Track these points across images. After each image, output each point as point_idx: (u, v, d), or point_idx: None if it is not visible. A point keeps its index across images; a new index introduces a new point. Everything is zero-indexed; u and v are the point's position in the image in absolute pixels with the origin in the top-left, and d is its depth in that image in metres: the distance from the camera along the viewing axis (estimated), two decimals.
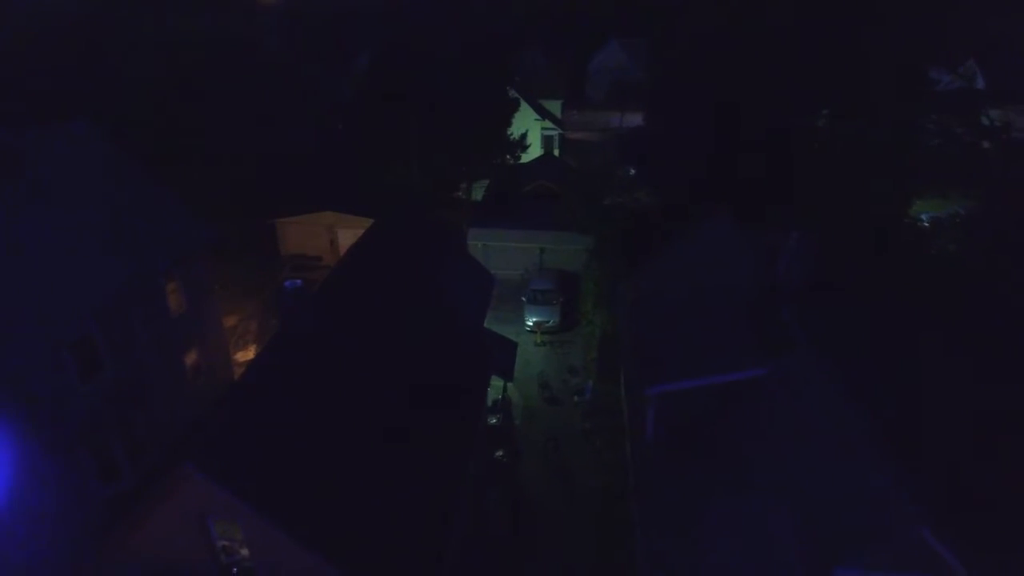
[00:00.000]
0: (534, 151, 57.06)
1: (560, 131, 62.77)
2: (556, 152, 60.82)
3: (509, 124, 46.45)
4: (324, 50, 57.60)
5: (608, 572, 19.25)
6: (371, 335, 19.18)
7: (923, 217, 37.27)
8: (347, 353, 17.81)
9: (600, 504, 21.71)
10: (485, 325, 26.14)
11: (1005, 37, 68.86)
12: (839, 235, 28.33)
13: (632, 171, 41.16)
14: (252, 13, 51.66)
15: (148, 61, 35.44)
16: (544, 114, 61.92)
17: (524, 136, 47.54)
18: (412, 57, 42.67)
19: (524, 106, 55.02)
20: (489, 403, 24.12)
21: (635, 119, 68.27)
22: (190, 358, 24.94)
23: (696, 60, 36.25)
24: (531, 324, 32.28)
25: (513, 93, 51.42)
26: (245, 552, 13.37)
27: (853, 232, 29.73)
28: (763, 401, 16.49)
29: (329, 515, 13.71)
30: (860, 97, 33.78)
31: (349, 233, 36.96)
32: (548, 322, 32.32)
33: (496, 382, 25.05)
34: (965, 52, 70.38)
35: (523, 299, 33.46)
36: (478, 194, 46.61)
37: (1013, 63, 70.38)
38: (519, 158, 47.26)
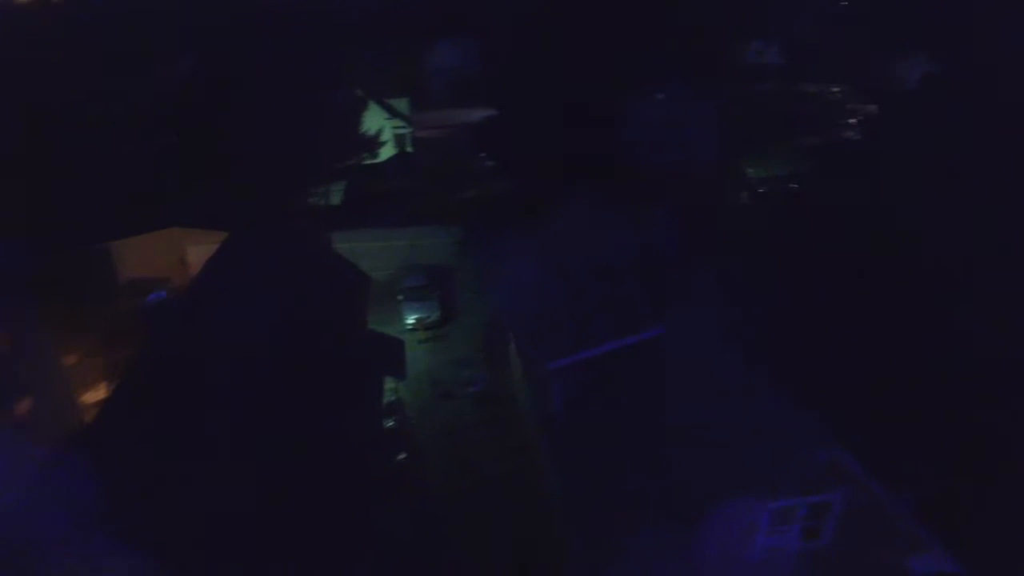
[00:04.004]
0: (387, 151, 55.88)
1: (411, 129, 61.87)
2: (409, 149, 59.93)
3: (359, 124, 44.99)
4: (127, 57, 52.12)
5: (533, 555, 19.16)
6: (249, 346, 17.56)
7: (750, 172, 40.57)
8: (226, 367, 16.16)
9: (509, 489, 21.56)
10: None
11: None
12: (693, 203, 30.33)
13: (488, 161, 41.47)
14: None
15: None
16: (394, 113, 60.74)
17: (378, 134, 46.32)
18: (239, 64, 39.97)
19: (373, 105, 53.72)
20: (383, 406, 23.09)
21: (479, 114, 68.94)
22: (23, 406, 21.53)
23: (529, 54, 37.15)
24: (411, 322, 31.41)
25: (360, 92, 49.98)
26: None
27: (703, 199, 32.03)
28: (662, 360, 17.12)
29: (223, 528, 12.33)
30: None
31: (201, 250, 33.73)
32: (428, 317, 31.61)
33: (388, 383, 24.07)
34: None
35: (399, 298, 32.47)
36: (337, 199, 44.71)
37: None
38: (375, 155, 46.00)
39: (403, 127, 60.85)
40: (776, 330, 16.78)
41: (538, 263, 24.21)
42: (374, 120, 54.16)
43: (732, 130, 33.55)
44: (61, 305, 30.06)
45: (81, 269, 33.03)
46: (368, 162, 46.49)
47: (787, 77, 54.73)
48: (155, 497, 12.41)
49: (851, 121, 50.81)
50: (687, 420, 15.07)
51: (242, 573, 12.33)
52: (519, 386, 25.05)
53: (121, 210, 35.61)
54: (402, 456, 22.40)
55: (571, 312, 19.74)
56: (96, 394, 26.55)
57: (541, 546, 19.46)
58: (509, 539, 19.87)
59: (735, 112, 34.30)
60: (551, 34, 35.17)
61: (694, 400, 15.72)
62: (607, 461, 15.78)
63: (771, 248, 24.18)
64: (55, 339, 24.61)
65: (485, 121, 48.91)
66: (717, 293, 18.97)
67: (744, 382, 15.36)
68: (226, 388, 15.29)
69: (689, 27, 35.87)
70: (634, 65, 35.86)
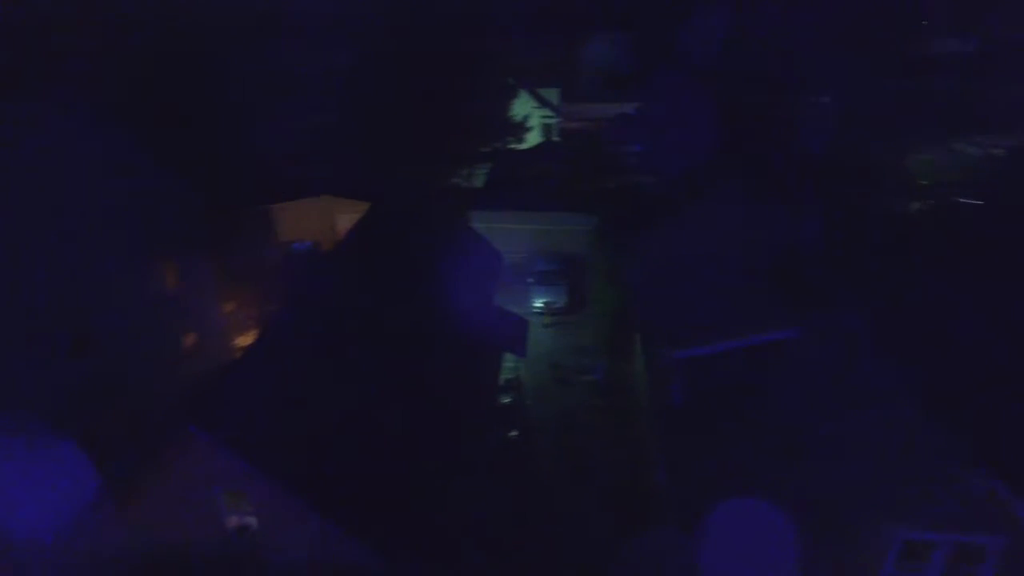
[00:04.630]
0: (533, 139, 56.51)
1: (558, 119, 62.10)
2: (555, 138, 60.23)
3: (508, 110, 45.76)
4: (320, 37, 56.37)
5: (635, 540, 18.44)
6: (381, 306, 18.29)
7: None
8: (358, 322, 16.92)
9: (615, 479, 20.92)
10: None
11: None
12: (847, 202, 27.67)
13: (638, 150, 40.41)
14: None
15: (142, 30, 34.26)
16: (543, 102, 61.30)
17: (525, 119, 46.88)
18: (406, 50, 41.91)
19: (522, 93, 54.59)
20: (501, 382, 23.25)
21: (629, 108, 67.61)
22: (187, 339, 23.99)
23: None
24: (539, 305, 31.42)
25: (511, 80, 50.90)
26: (252, 521, 12.47)
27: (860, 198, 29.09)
28: (794, 363, 15.72)
29: (339, 485, 12.83)
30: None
31: (348, 218, 35.88)
32: (556, 303, 31.48)
33: (508, 362, 24.21)
34: None
35: (529, 281, 32.59)
36: (480, 180, 45.81)
37: None
38: (521, 141, 46.57)
39: (551, 116, 61.29)
40: (930, 346, 14.75)
41: (673, 256, 23.23)
42: (522, 108, 55.00)
43: (900, 127, 30.20)
44: (225, 258, 33.36)
45: (245, 227, 36.33)
46: (513, 147, 47.20)
47: (974, 71, 48.25)
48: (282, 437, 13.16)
49: None
50: (814, 428, 13.69)
51: (350, 510, 12.80)
52: (639, 379, 24.23)
53: (283, 177, 38.73)
54: (513, 433, 22.43)
55: (703, 307, 18.70)
56: (247, 339, 29.07)
57: (639, 541, 18.67)
58: (607, 530, 19.27)
59: (908, 107, 30.78)
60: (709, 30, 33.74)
61: (825, 407, 14.27)
62: (721, 462, 14.74)
63: (932, 256, 21.42)
64: (218, 286, 27.15)
65: (634, 114, 47.94)
66: (863, 298, 17.10)
67: (885, 394, 13.64)
68: (352, 338, 16.00)
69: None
70: (797, 60, 33.44)
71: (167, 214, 22.81)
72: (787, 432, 14.29)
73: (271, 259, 36.04)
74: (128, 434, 19.13)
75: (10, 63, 32.20)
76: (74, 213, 19.52)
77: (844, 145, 29.57)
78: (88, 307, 18.82)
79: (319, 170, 40.84)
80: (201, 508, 12.44)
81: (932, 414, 12.00)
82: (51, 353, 17.73)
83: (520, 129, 46.58)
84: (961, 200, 27.17)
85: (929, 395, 12.27)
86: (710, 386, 16.38)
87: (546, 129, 60.49)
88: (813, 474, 13.12)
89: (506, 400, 23.65)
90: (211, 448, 11.43)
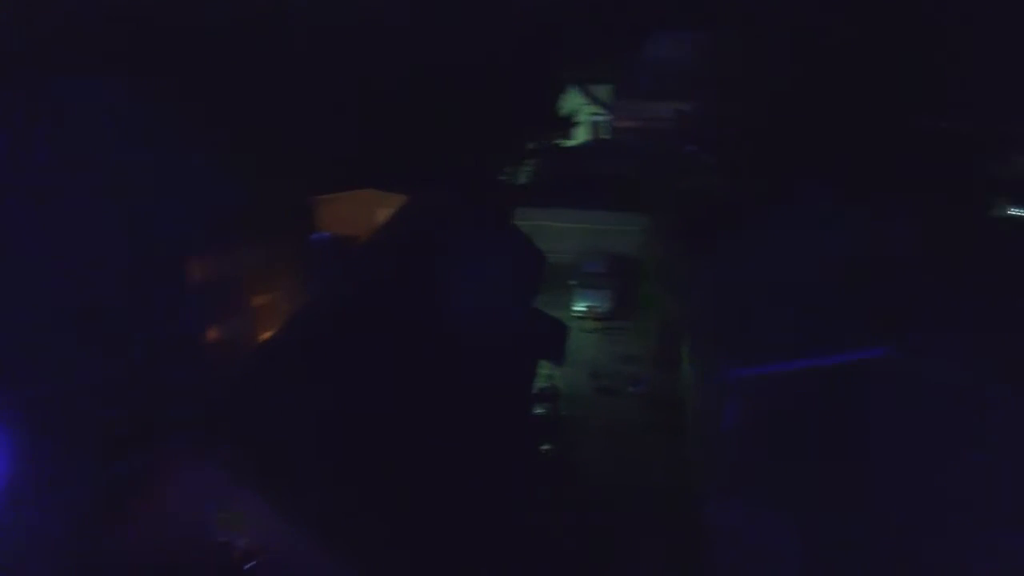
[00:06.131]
0: (581, 135, 54.85)
1: (610, 116, 60.17)
2: (605, 136, 58.38)
3: (556, 104, 44.32)
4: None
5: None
6: (404, 306, 16.88)
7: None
8: (379, 323, 15.54)
9: (659, 504, 19.03)
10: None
11: None
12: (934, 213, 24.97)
13: (693, 151, 38.19)
14: None
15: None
16: (593, 99, 59.54)
17: (573, 115, 45.31)
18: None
19: (572, 90, 53.06)
20: (535, 391, 21.59)
21: (687, 108, 65.09)
22: (214, 333, 23.14)
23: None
24: (581, 309, 29.58)
25: (562, 76, 49.39)
26: (248, 542, 11.17)
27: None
28: (876, 389, 13.57)
29: (350, 510, 11.40)
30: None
31: (389, 212, 34.91)
32: (600, 307, 29.57)
33: (545, 369, 22.55)
34: None
35: (572, 283, 30.80)
36: (525, 176, 44.38)
37: None
38: (568, 136, 44.97)
39: (601, 113, 59.51)
40: None
41: (737, 264, 21.12)
42: (571, 104, 53.35)
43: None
44: (263, 250, 32.71)
45: (286, 220, 35.70)
46: (562, 144, 45.64)
47: None
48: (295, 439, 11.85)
49: None
50: (894, 467, 11.60)
51: (369, 523, 11.41)
52: (688, 394, 22.21)
53: (327, 169, 37.99)
54: (546, 447, 20.74)
55: (770, 321, 16.60)
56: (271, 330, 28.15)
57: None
58: (645, 560, 17.39)
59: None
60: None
61: (911, 445, 12.14)
62: (777, 498, 12.75)
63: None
64: (248, 278, 26.27)
65: (695, 114, 45.70)
66: (961, 316, 14.76)
67: (984, 430, 11.43)
68: (373, 341, 14.62)
69: None
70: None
71: (203, 204, 21.99)
72: (859, 467, 12.21)
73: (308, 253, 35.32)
74: (141, 433, 18.25)
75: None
76: (109, 196, 18.84)
77: (942, 138, 26.78)
78: (121, 301, 18.02)
79: (363, 163, 40.09)
80: (193, 524, 11.25)
81: None
82: (84, 344, 16.99)
83: (568, 125, 44.93)
84: None
85: None
86: (772, 410, 14.34)
87: (595, 126, 58.74)
88: (882, 520, 11.05)
89: (540, 411, 21.99)
90: (208, 465, 10.20)
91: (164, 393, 19.48)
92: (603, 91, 64.88)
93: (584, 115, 56.34)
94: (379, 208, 36.86)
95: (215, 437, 10.99)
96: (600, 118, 58.94)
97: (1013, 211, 32.11)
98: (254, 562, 11.20)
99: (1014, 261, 18.70)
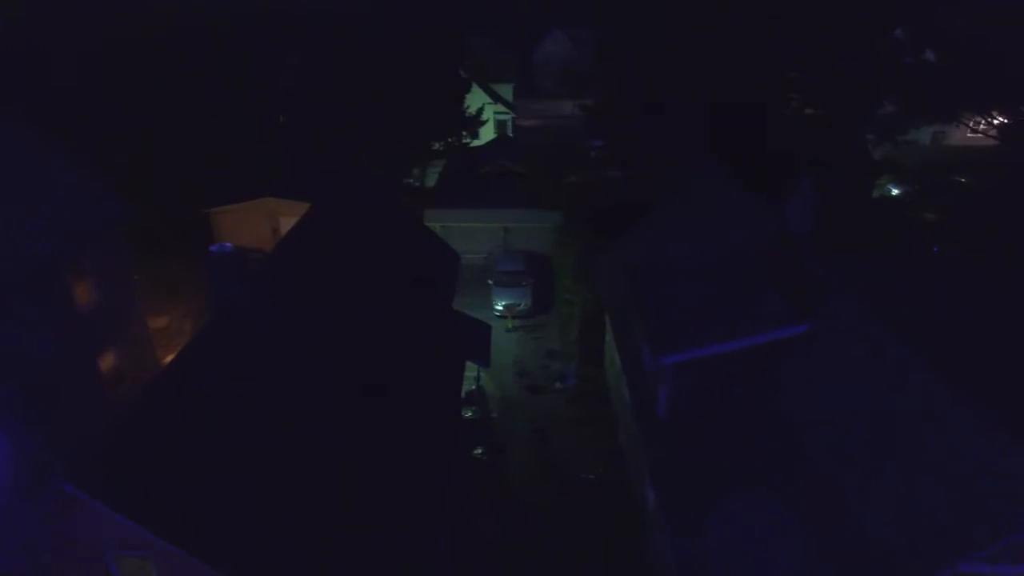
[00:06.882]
0: (487, 134, 54.63)
1: (513, 115, 60.50)
2: (510, 135, 58.54)
3: (462, 103, 43.89)
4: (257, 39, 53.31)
5: (619, 571, 16.56)
6: (321, 318, 15.93)
7: (892, 189, 36.02)
8: (290, 335, 14.54)
9: (599, 498, 19.00)
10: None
11: None
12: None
13: (599, 144, 38.70)
14: None
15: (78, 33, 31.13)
16: (496, 98, 59.60)
17: (480, 112, 44.97)
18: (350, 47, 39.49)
19: (476, 89, 52.76)
20: (463, 394, 21.06)
21: (586, 104, 66.35)
22: (106, 361, 21.08)
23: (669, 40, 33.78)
24: (501, 308, 29.32)
25: (464, 74, 48.90)
26: None
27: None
28: (796, 365, 14.01)
29: (273, 542, 10.50)
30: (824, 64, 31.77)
31: (292, 221, 33.26)
32: (519, 305, 29.42)
33: (469, 371, 22.05)
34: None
35: (490, 282, 30.47)
36: (431, 180, 43.62)
37: None
38: (476, 136, 44.59)
39: (505, 112, 59.69)
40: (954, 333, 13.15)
41: (648, 253, 21.39)
42: (477, 103, 53.14)
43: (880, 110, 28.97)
44: (156, 267, 30.37)
45: (180, 233, 33.36)
46: (468, 143, 45.30)
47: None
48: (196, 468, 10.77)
49: None
50: (823, 440, 11.98)
51: (294, 541, 10.54)
52: (615, 384, 22.37)
53: (228, 181, 35.82)
54: (478, 451, 20.29)
55: (690, 306, 16.85)
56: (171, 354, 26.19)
57: (625, 565, 16.76)
58: (585, 552, 17.30)
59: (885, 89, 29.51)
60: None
61: (837, 418, 12.59)
62: (717, 480, 12.91)
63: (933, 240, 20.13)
64: (144, 297, 24.27)
65: (594, 110, 46.52)
66: (869, 288, 15.54)
67: (920, 399, 11.85)
68: (283, 353, 13.65)
69: None
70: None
71: (83, 220, 19.90)
72: (791, 445, 12.53)
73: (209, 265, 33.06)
74: (33, 477, 16.33)
75: None
76: None
77: (828, 127, 28.24)
78: None
79: (261, 171, 38.09)
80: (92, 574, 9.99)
81: (977, 413, 10.34)
82: None
83: (474, 125, 44.67)
84: (954, 180, 26.22)
85: (969, 390, 10.60)
86: (700, 393, 14.55)
87: (500, 125, 58.79)
88: (820, 494, 11.37)
89: (468, 415, 21.49)
90: (97, 511, 9.01)
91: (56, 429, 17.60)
92: (506, 91, 65.18)
93: (489, 114, 56.25)
94: (280, 216, 35.23)
95: (112, 478, 9.77)
96: (505, 117, 59.08)
97: (894, 189, 34.73)
98: None
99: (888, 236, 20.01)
